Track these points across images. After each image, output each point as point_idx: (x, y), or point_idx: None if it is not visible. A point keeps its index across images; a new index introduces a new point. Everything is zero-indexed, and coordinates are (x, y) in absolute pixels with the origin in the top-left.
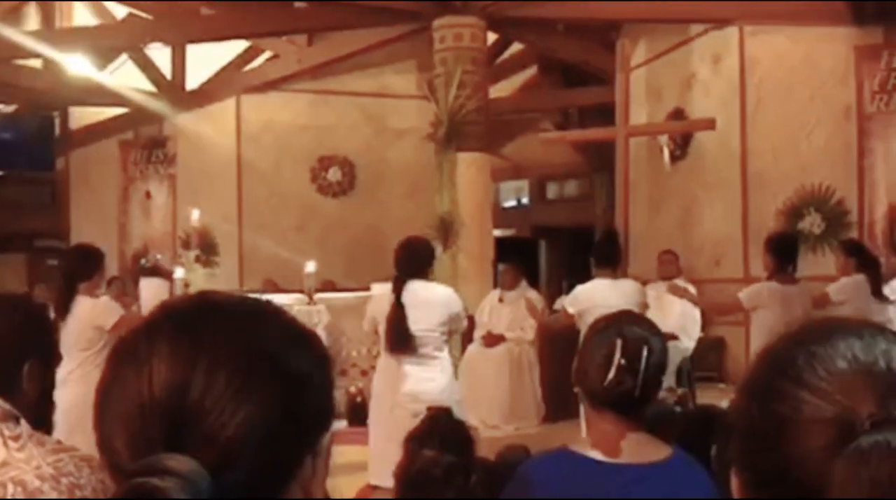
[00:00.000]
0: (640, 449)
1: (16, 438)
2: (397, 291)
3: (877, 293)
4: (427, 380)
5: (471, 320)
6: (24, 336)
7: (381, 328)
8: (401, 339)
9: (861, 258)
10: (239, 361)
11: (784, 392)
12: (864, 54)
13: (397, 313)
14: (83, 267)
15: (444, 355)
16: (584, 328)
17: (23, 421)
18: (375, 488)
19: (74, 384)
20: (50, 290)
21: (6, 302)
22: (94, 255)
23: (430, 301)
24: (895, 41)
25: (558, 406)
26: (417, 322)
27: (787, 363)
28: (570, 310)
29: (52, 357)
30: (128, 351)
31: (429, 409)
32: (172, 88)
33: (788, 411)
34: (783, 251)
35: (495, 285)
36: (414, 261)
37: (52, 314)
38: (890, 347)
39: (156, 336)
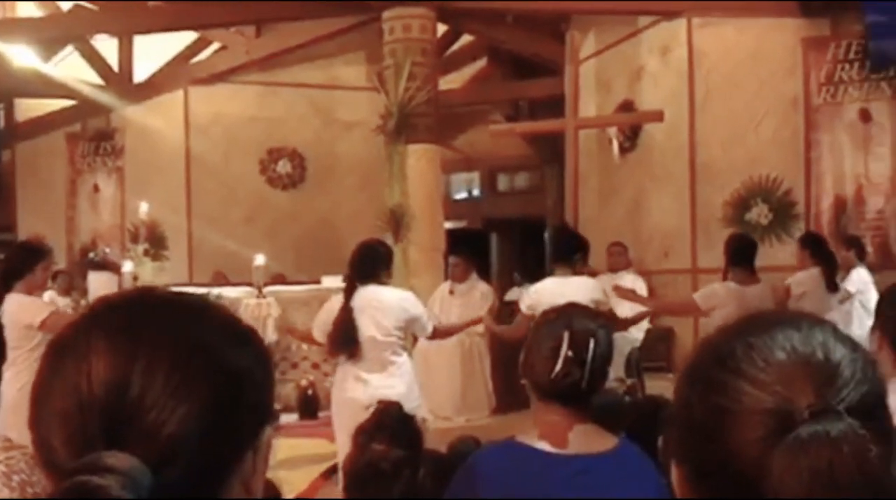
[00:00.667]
0: (586, 440)
1: None
2: (348, 294)
3: (831, 286)
4: (386, 387)
5: None
6: None
7: None
8: (345, 342)
9: (816, 251)
10: (178, 357)
11: (723, 383)
12: (812, 46)
13: (345, 317)
14: (20, 263)
15: (403, 360)
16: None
17: None
18: (327, 478)
19: (7, 383)
20: None
21: None
22: (34, 251)
23: (384, 306)
24: (842, 33)
25: (509, 398)
26: (369, 328)
27: (726, 355)
28: (528, 312)
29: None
30: (65, 347)
31: (379, 402)
32: (120, 80)
33: (728, 402)
34: (740, 252)
35: (446, 278)
36: (368, 264)
37: None
38: (827, 338)
39: (94, 332)
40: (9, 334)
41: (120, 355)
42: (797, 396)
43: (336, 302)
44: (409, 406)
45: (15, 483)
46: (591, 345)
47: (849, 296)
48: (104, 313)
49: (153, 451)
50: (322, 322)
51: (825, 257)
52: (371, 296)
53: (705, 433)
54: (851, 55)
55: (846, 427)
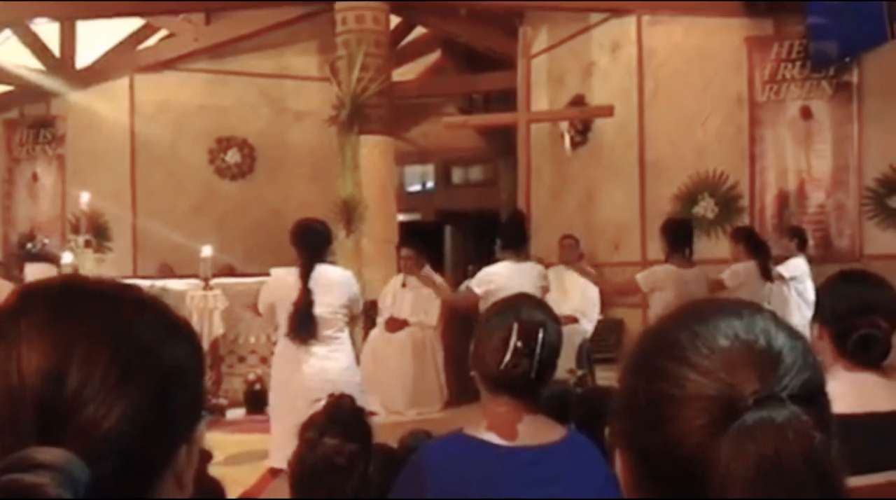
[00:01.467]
0: (535, 431)
1: None
2: (305, 276)
3: (766, 277)
4: (331, 359)
5: (374, 304)
6: None
7: (282, 314)
8: (306, 324)
9: (750, 244)
10: (116, 351)
11: (667, 371)
12: (756, 45)
13: (306, 298)
14: None
15: (346, 336)
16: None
17: None
18: (277, 473)
19: None
20: None
21: None
22: None
23: (332, 283)
24: (785, 33)
25: (461, 391)
26: (320, 305)
27: (670, 343)
28: (478, 291)
29: None
30: None
31: (330, 396)
32: (62, 66)
33: (671, 388)
34: (678, 235)
35: (399, 270)
36: (317, 243)
37: None
38: (768, 325)
39: (24, 318)
40: None
41: (54, 345)
42: (741, 383)
43: (282, 280)
44: (352, 380)
45: None
46: (541, 336)
47: (781, 278)
48: (35, 299)
49: (87, 447)
50: (268, 303)
51: (760, 249)
52: (319, 275)
53: (649, 420)
54: (794, 54)
55: (790, 414)
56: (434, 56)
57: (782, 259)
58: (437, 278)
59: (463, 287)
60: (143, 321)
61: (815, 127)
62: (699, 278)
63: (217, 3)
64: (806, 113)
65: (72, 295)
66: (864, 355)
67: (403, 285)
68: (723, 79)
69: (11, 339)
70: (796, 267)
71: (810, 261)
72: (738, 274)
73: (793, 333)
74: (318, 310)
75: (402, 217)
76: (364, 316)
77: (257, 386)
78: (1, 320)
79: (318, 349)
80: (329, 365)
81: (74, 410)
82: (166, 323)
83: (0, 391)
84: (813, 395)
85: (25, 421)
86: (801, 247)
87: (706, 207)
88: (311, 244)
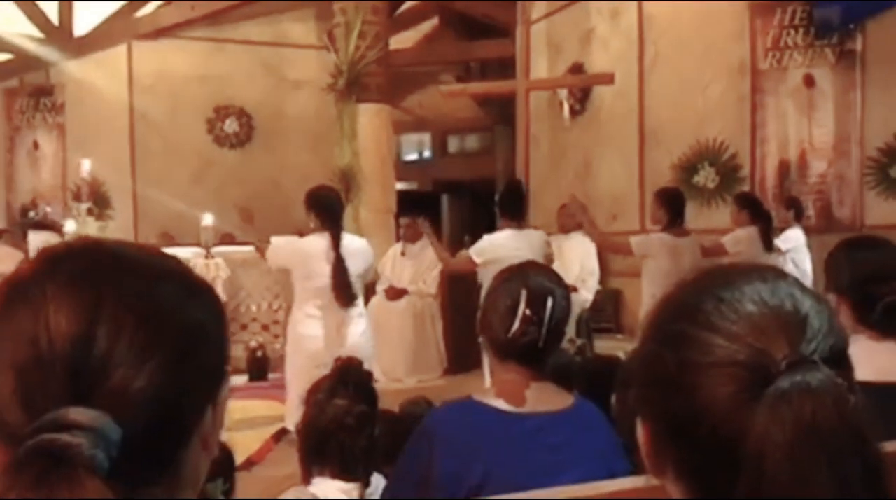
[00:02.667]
0: (544, 398)
1: None
2: (337, 244)
3: (767, 246)
4: (350, 325)
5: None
6: None
7: (301, 279)
8: (348, 292)
9: (753, 211)
10: (142, 313)
11: (693, 337)
12: (759, 11)
13: (342, 267)
14: None
15: (361, 303)
16: (487, 280)
17: None
18: (278, 439)
19: None
20: None
21: None
22: None
23: (352, 251)
24: None
25: (461, 359)
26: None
27: (694, 309)
28: (477, 259)
29: None
30: (14, 298)
31: (338, 359)
32: (60, 34)
33: (699, 356)
34: (673, 204)
35: (398, 239)
36: (339, 211)
37: None
38: (792, 289)
39: (47, 282)
40: None
41: (81, 307)
42: (771, 347)
43: (301, 244)
44: (367, 344)
45: None
46: (549, 303)
47: (779, 252)
48: (58, 262)
49: (119, 408)
50: (282, 259)
51: (762, 216)
52: (344, 243)
53: (675, 387)
54: (797, 21)
55: (825, 377)
56: (431, 23)
57: (779, 230)
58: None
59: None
60: (166, 283)
61: (817, 95)
62: (693, 247)
63: None
64: (809, 81)
65: (95, 258)
66: (891, 324)
67: (403, 253)
68: (724, 46)
69: (38, 302)
70: (794, 238)
71: (809, 231)
72: (741, 240)
73: (817, 297)
74: None
75: (399, 186)
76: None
77: (259, 353)
78: (26, 284)
79: (338, 315)
80: (347, 331)
81: (104, 372)
82: (189, 285)
83: (29, 355)
84: (840, 359)
85: (56, 384)
86: (798, 217)
87: (706, 177)
88: (335, 212)
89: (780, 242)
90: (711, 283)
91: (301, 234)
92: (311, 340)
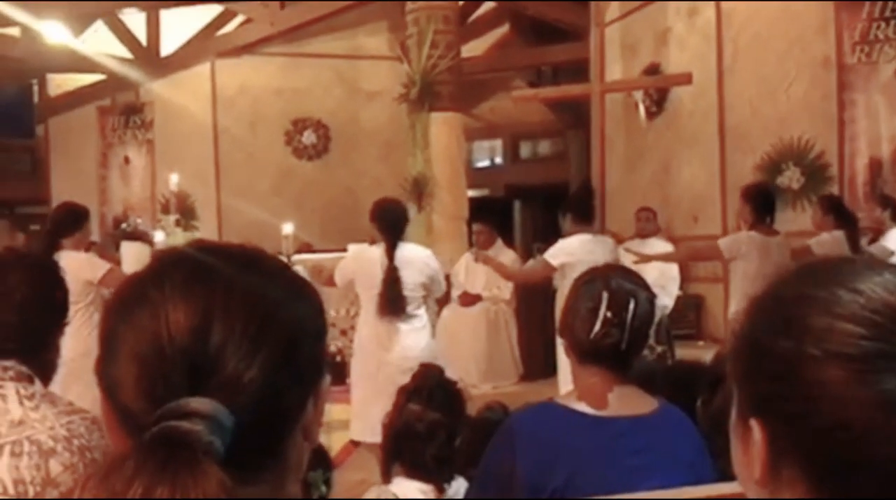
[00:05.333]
0: (627, 402)
1: (30, 397)
2: (391, 254)
3: (854, 250)
4: (410, 336)
5: (446, 279)
6: (46, 298)
7: (362, 290)
8: (395, 303)
9: (838, 214)
10: (252, 309)
11: (820, 328)
12: (844, 5)
13: (393, 276)
14: (68, 223)
15: (423, 313)
16: (563, 283)
17: (37, 381)
18: (357, 444)
19: (67, 339)
20: (31, 244)
21: (29, 264)
22: (79, 212)
23: (412, 262)
24: None
25: (536, 365)
26: (403, 284)
27: (815, 299)
28: (554, 262)
29: (65, 315)
30: (135, 296)
31: (421, 365)
32: (148, 54)
33: (843, 348)
34: (762, 202)
35: (470, 245)
36: (399, 223)
37: None
38: None
39: (165, 282)
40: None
41: (197, 303)
42: None
43: (362, 255)
44: (430, 357)
45: (75, 447)
46: (631, 306)
47: (892, 254)
48: (173, 264)
49: (231, 398)
50: (345, 273)
51: (848, 219)
52: (400, 253)
53: (801, 383)
54: (888, 13)
55: None
56: (502, 30)
57: (871, 230)
58: (510, 255)
59: (531, 263)
60: (272, 280)
61: None
62: (783, 247)
63: None
64: None
65: (207, 259)
66: None
67: (476, 259)
68: (808, 41)
69: (157, 302)
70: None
71: None
72: (825, 243)
73: None
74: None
75: (470, 193)
76: None
77: (338, 358)
78: (145, 285)
79: (400, 327)
80: (408, 342)
81: (219, 363)
82: (292, 282)
83: (151, 348)
84: None
85: (175, 374)
86: (894, 217)
87: (791, 177)
88: (393, 223)
89: (888, 242)
90: (837, 274)
91: (373, 242)
92: (371, 349)
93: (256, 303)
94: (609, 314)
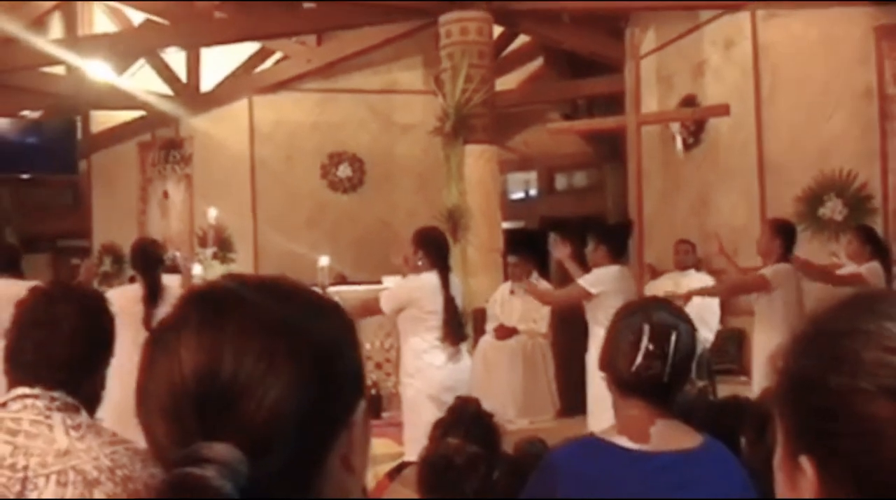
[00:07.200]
0: (669, 436)
1: (77, 427)
2: (446, 283)
3: (890, 280)
4: (456, 361)
5: (482, 312)
6: (94, 329)
7: (421, 313)
8: (461, 329)
9: (875, 245)
10: (265, 339)
11: (885, 363)
12: (885, 34)
13: (453, 307)
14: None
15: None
16: (596, 312)
17: (82, 411)
18: (395, 475)
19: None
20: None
21: (77, 296)
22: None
23: (457, 291)
24: None
25: (573, 400)
26: None
27: (877, 334)
28: (593, 290)
29: (112, 347)
30: (158, 341)
31: (458, 398)
32: (187, 91)
33: (886, 380)
34: (792, 236)
35: (505, 278)
36: (447, 249)
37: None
38: None
39: (182, 325)
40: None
41: (208, 343)
42: None
43: (417, 283)
44: (469, 384)
45: (118, 478)
46: (673, 338)
47: None
48: (191, 304)
49: (248, 438)
50: (400, 296)
51: (884, 251)
52: (452, 282)
53: (869, 424)
54: None
55: None
56: (536, 63)
57: None
58: (544, 285)
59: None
60: (291, 304)
61: None
62: (800, 278)
63: (328, 23)
64: None
65: (221, 294)
66: None
67: (512, 292)
68: (848, 72)
69: (173, 347)
70: None
71: None
72: (866, 274)
73: None
74: None
75: (505, 225)
76: (473, 324)
77: (373, 392)
78: (165, 332)
79: (450, 353)
80: (455, 371)
81: (230, 403)
82: (314, 303)
83: (165, 396)
84: None
85: (189, 420)
86: None
87: (833, 209)
88: (443, 250)
89: None
90: (877, 303)
91: (404, 274)
92: (437, 369)
93: (273, 326)
94: (651, 347)
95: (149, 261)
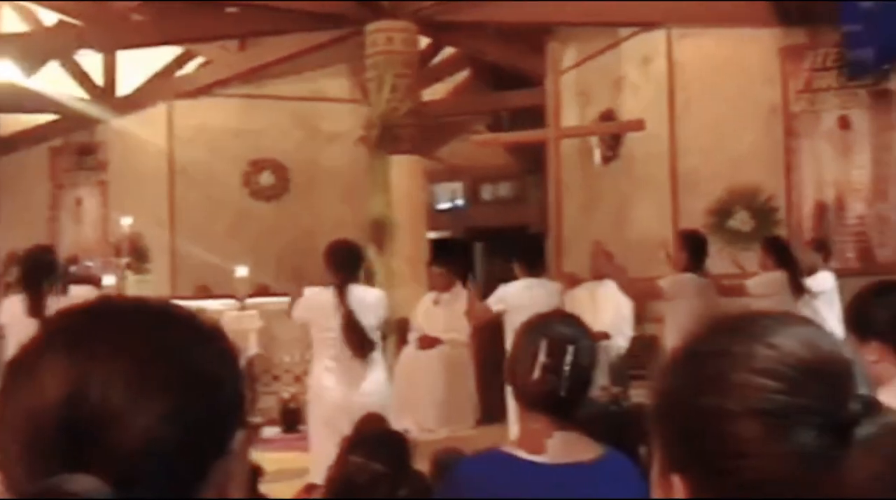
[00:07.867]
0: (569, 448)
1: None
2: (343, 296)
3: (796, 291)
4: (372, 381)
5: (406, 322)
6: None
7: (316, 333)
8: (361, 345)
9: (780, 256)
10: (136, 366)
11: (742, 385)
12: (789, 55)
13: (352, 319)
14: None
15: (379, 356)
16: (511, 328)
17: None
18: (311, 489)
19: None
20: None
21: None
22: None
23: (368, 304)
24: (819, 42)
25: (493, 409)
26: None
27: (745, 356)
28: (494, 308)
29: None
30: (19, 367)
31: (365, 414)
32: (104, 94)
33: (761, 403)
34: (700, 247)
35: (431, 288)
36: (350, 264)
37: None
38: (831, 337)
39: (46, 352)
40: None
41: (73, 368)
42: (834, 393)
43: (316, 298)
44: (386, 400)
45: None
46: (570, 352)
47: (811, 295)
48: (58, 327)
49: (115, 468)
50: (301, 314)
51: (790, 261)
52: (354, 295)
53: (723, 441)
54: (829, 63)
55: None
56: (462, 75)
57: (809, 273)
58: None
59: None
60: (166, 330)
61: (853, 137)
62: (712, 289)
63: (251, 28)
64: (844, 123)
65: (92, 317)
66: None
67: (435, 302)
68: (756, 90)
69: (35, 374)
70: (825, 280)
71: (849, 274)
72: (767, 284)
73: (843, 343)
74: None
75: (432, 235)
76: (397, 334)
77: (292, 405)
78: (26, 359)
79: (353, 366)
80: (369, 389)
81: (96, 431)
82: (195, 330)
83: (25, 422)
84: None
85: (49, 447)
86: (826, 259)
87: (741, 220)
88: (346, 265)
89: (813, 283)
90: (756, 329)
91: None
92: (328, 392)
93: (143, 358)
94: (546, 361)
95: (37, 270)
